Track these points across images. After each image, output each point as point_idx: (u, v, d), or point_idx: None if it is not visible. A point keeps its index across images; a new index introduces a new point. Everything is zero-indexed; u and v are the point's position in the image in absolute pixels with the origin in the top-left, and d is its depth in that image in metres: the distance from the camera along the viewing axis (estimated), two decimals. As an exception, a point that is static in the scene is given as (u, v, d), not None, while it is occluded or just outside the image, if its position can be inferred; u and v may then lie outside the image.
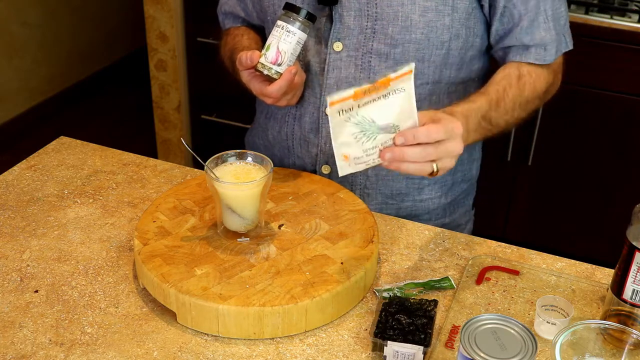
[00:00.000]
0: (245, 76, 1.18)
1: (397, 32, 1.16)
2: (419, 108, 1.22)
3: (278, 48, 1.12)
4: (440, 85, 1.23)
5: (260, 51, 1.15)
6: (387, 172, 1.27)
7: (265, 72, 1.13)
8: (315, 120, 1.26)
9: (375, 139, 0.95)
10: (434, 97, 1.24)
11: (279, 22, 1.13)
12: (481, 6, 1.19)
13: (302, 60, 1.24)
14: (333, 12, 1.18)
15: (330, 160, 1.27)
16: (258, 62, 1.13)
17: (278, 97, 1.16)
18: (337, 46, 1.20)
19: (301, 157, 1.30)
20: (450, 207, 1.36)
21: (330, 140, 1.23)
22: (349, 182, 1.28)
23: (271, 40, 1.13)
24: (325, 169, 1.29)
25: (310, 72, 1.23)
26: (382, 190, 1.29)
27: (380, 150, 0.96)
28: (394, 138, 0.95)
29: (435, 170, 0.98)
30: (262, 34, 1.35)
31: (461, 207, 1.40)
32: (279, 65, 1.13)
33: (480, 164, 1.42)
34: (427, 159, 0.96)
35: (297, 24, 1.12)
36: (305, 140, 1.28)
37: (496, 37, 1.22)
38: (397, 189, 1.29)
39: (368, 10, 1.16)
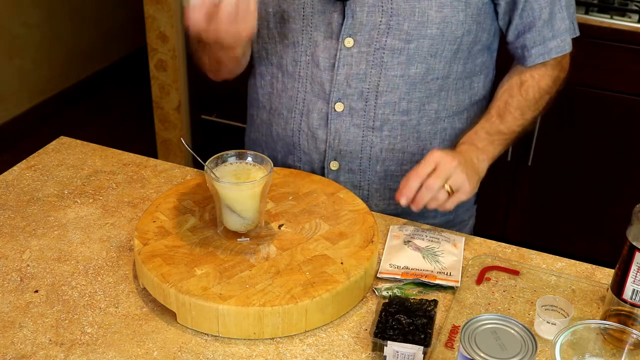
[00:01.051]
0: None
1: (413, 27, 1.16)
2: (429, 103, 1.24)
3: None
4: (449, 81, 1.23)
5: None
6: (395, 169, 1.28)
7: None
8: (324, 116, 1.26)
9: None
10: (443, 92, 1.24)
11: None
12: (495, 4, 1.20)
13: (311, 55, 1.24)
14: (345, 8, 1.17)
15: (338, 156, 1.27)
16: None
17: (200, 22, 1.02)
18: (349, 42, 1.19)
19: (308, 153, 1.30)
20: None
21: (339, 135, 1.24)
22: (357, 179, 1.28)
23: None
24: (334, 165, 1.28)
25: (319, 67, 1.23)
26: (390, 186, 1.29)
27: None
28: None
29: (448, 189, 1.12)
30: None
31: (465, 202, 1.40)
32: None
33: None
34: (434, 187, 1.11)
35: None
36: (313, 137, 1.28)
37: (515, 32, 1.23)
38: None
39: (382, 6, 1.16)
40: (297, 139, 1.30)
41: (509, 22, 1.23)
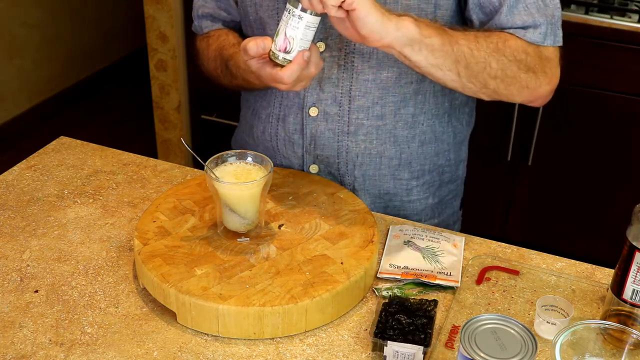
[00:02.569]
0: (254, 65, 1.09)
1: None
2: (405, 107, 1.22)
3: (285, 34, 1.03)
4: (425, 84, 1.22)
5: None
6: (373, 172, 1.27)
7: (276, 60, 1.05)
8: (300, 121, 1.26)
9: None
10: (420, 96, 1.23)
11: (287, 6, 1.03)
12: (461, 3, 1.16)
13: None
14: None
15: (317, 160, 1.27)
16: (270, 49, 1.06)
17: (291, 83, 1.07)
18: (320, 46, 1.19)
19: (287, 157, 1.30)
20: (438, 208, 1.36)
21: (315, 140, 1.24)
22: (338, 182, 1.28)
23: (280, 25, 1.05)
24: (313, 168, 1.29)
25: None
26: (370, 190, 1.29)
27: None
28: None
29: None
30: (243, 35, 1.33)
31: (449, 208, 1.40)
32: (288, 52, 1.04)
33: (467, 165, 1.42)
34: None
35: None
36: (290, 141, 1.28)
37: (477, 26, 1.16)
38: (385, 189, 1.29)
39: None
40: (275, 143, 1.30)
41: (471, 19, 1.16)
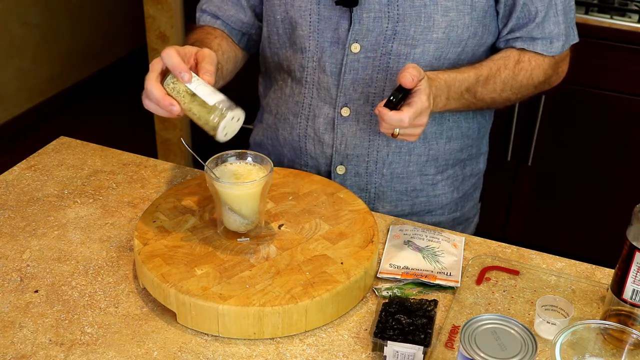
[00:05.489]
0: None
1: (419, 32, 1.16)
2: None
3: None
4: None
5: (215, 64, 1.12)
6: (401, 170, 1.28)
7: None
8: (331, 121, 1.26)
9: None
10: None
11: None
12: (496, 2, 1.20)
13: (317, 61, 1.23)
14: (352, 14, 1.17)
15: (345, 160, 1.27)
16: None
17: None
18: (355, 47, 1.19)
19: (315, 157, 1.30)
20: (461, 201, 1.37)
21: (345, 140, 1.24)
22: (364, 182, 1.28)
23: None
24: (340, 170, 1.29)
25: (326, 73, 1.23)
26: (396, 187, 1.30)
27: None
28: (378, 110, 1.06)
29: (396, 133, 1.07)
30: (232, 48, 1.32)
31: (470, 200, 1.41)
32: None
33: (487, 158, 1.43)
34: (390, 131, 1.08)
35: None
36: (319, 141, 1.28)
37: (506, 30, 1.23)
38: (412, 185, 1.30)
39: (389, 12, 1.15)
40: (303, 143, 1.30)
41: (505, 24, 1.22)
